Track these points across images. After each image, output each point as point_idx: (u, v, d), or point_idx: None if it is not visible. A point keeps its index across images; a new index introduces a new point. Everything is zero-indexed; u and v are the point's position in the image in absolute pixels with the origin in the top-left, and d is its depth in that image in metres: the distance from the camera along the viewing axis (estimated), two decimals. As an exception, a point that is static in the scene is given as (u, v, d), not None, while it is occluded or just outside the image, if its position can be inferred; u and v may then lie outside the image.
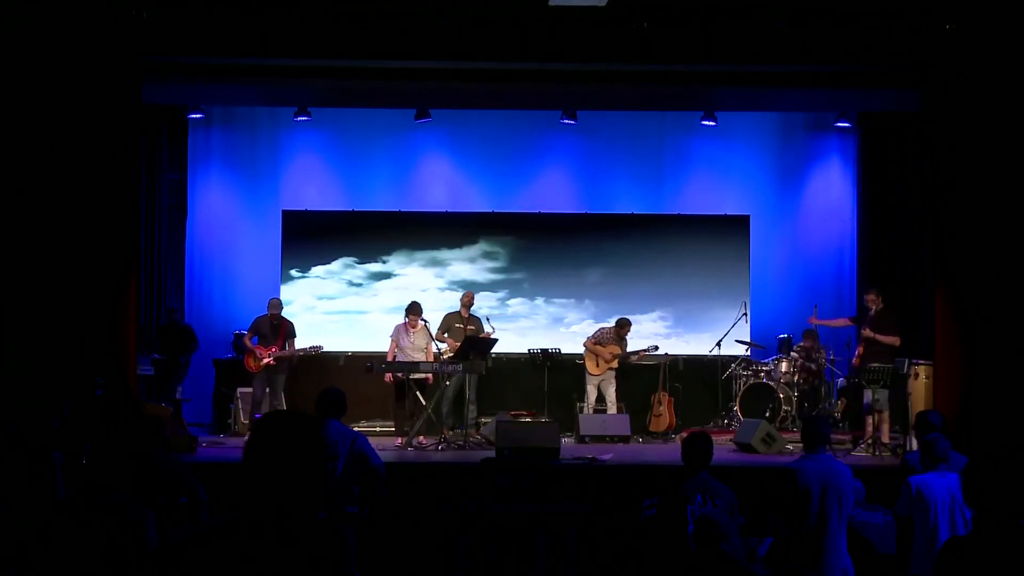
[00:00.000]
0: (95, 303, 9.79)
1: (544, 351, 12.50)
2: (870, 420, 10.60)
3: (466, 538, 8.08)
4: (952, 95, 10.19)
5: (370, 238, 13.52)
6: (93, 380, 9.53)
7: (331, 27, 9.94)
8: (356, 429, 9.20)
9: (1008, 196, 9.87)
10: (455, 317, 12.18)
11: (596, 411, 12.21)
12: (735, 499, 6.07)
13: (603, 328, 12.57)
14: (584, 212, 13.68)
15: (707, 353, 12.85)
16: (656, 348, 12.49)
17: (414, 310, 11.56)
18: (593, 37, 10.11)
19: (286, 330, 11.78)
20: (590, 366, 12.28)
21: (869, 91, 11.38)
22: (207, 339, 12.92)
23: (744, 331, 12.85)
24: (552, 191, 13.77)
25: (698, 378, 13.02)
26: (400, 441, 11.08)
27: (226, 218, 13.64)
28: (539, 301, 13.63)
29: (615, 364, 12.25)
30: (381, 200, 13.57)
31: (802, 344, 12.56)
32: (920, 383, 10.67)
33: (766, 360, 12.65)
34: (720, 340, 12.66)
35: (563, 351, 12.54)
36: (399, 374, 11.24)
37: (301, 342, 11.87)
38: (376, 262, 13.52)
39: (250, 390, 11.77)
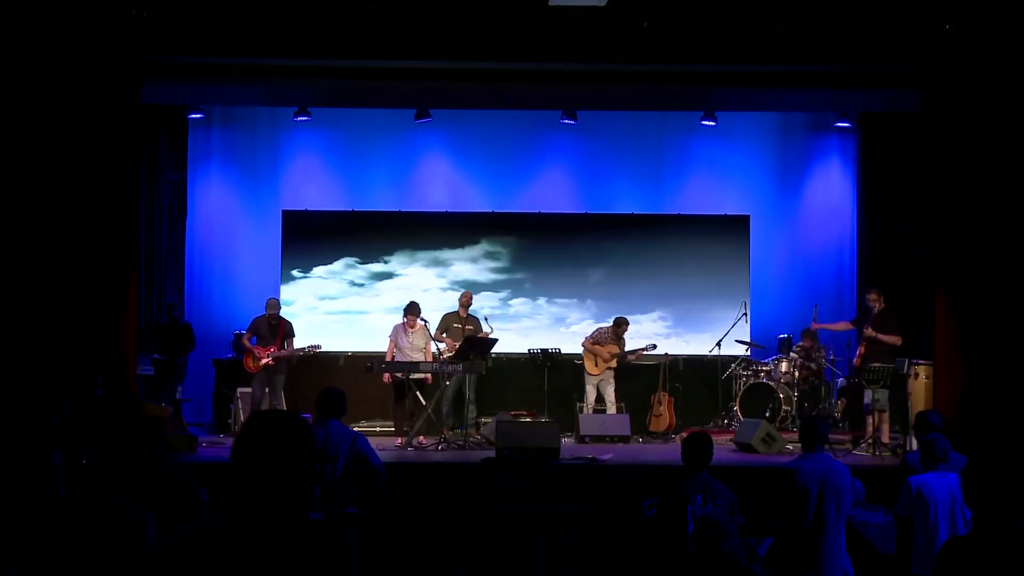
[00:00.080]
0: (95, 303, 9.79)
1: (544, 351, 12.50)
2: (870, 420, 10.60)
3: (466, 538, 8.08)
4: (952, 95, 10.19)
5: (371, 238, 13.52)
6: (93, 380, 9.53)
7: (331, 27, 9.94)
8: (356, 429, 9.21)
9: (1008, 196, 9.87)
10: (453, 317, 12.18)
11: (596, 411, 12.21)
12: (735, 499, 6.07)
13: (601, 328, 12.57)
14: (584, 212, 13.68)
15: (707, 353, 12.85)
16: (654, 347, 12.49)
17: (412, 310, 11.56)
18: (593, 37, 10.11)
19: (284, 330, 11.78)
20: (589, 366, 12.28)
21: (869, 91, 11.38)
22: (207, 339, 12.92)
23: (744, 331, 12.85)
24: (552, 191, 13.77)
25: (698, 378, 13.02)
26: (400, 441, 11.08)
27: (226, 218, 13.64)
28: (541, 301, 13.63)
29: (614, 364, 12.25)
30: (381, 200, 13.57)
31: (801, 344, 12.56)
32: (920, 383, 10.67)
33: (766, 360, 12.65)
34: (720, 340, 12.66)
35: (563, 351, 12.55)
36: (398, 374, 11.25)
37: (300, 342, 11.88)
38: (378, 262, 13.52)
39: (250, 390, 11.77)
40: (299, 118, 12.63)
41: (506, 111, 12.81)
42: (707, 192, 13.80)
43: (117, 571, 4.27)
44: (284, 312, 12.43)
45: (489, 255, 13.59)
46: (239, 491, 2.59)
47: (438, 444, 10.83)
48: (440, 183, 13.77)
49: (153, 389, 11.69)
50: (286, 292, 13.27)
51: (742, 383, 12.47)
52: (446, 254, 13.57)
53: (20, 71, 9.59)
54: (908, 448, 9.69)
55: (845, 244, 13.80)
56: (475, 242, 13.57)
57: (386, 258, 13.53)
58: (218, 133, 13.67)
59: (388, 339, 11.71)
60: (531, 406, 12.41)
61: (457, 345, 11.66)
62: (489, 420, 11.65)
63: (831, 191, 13.92)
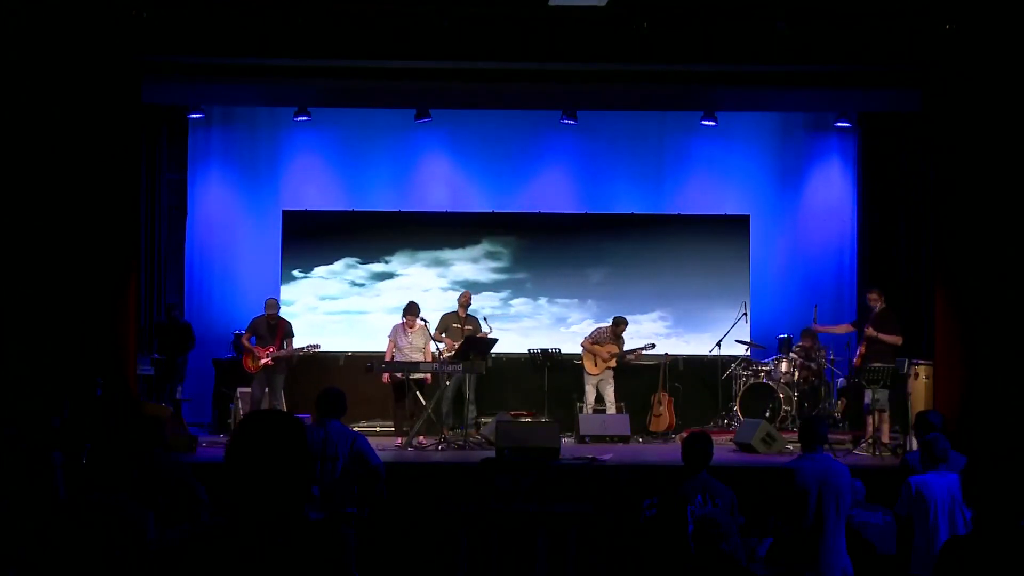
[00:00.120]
0: (95, 303, 9.79)
1: (544, 351, 12.50)
2: (871, 420, 10.60)
3: (466, 538, 8.08)
4: (952, 95, 10.19)
5: (371, 238, 13.52)
6: (93, 380, 9.53)
7: (331, 27, 9.94)
8: (356, 429, 9.21)
9: (1008, 196, 9.87)
10: (452, 317, 12.18)
11: (595, 411, 12.21)
12: (735, 499, 6.07)
13: (600, 328, 12.57)
14: (584, 212, 13.68)
15: (707, 353, 12.85)
16: (653, 346, 12.49)
17: (411, 310, 11.57)
18: (593, 37, 10.11)
19: (284, 330, 11.79)
20: (588, 366, 12.29)
21: (869, 91, 11.38)
22: (207, 339, 12.92)
23: (744, 331, 12.85)
24: (552, 191, 13.77)
25: (698, 378, 13.02)
26: (400, 441, 11.08)
27: (226, 218, 13.64)
28: (542, 301, 13.64)
29: (613, 363, 12.25)
30: (381, 200, 13.57)
31: (801, 344, 12.56)
32: (920, 383, 10.67)
33: (766, 360, 12.65)
34: (720, 340, 12.66)
35: (563, 351, 12.55)
36: (398, 374, 11.25)
37: (299, 341, 11.88)
38: (379, 262, 13.52)
39: (250, 390, 11.78)
40: (299, 118, 12.63)
41: (506, 111, 12.81)
42: (707, 192, 13.80)
43: (117, 571, 4.27)
44: (285, 312, 12.42)
45: (490, 255, 13.59)
46: (234, 491, 2.59)
47: (438, 444, 10.83)
48: (440, 183, 13.77)
49: (153, 389, 11.69)
50: (287, 292, 13.28)
51: (742, 383, 12.47)
52: (447, 254, 13.57)
53: (20, 71, 9.59)
54: (908, 448, 9.69)
55: (845, 244, 13.80)
56: (476, 242, 13.57)
57: (387, 258, 13.53)
58: (218, 133, 13.67)
59: (387, 339, 11.71)
60: (531, 406, 12.42)
61: (456, 345, 11.66)
62: (489, 420, 11.65)
63: (831, 191, 13.92)
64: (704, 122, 12.59)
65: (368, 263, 13.52)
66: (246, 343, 11.77)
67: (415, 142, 13.51)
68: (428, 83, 11.30)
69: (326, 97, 11.97)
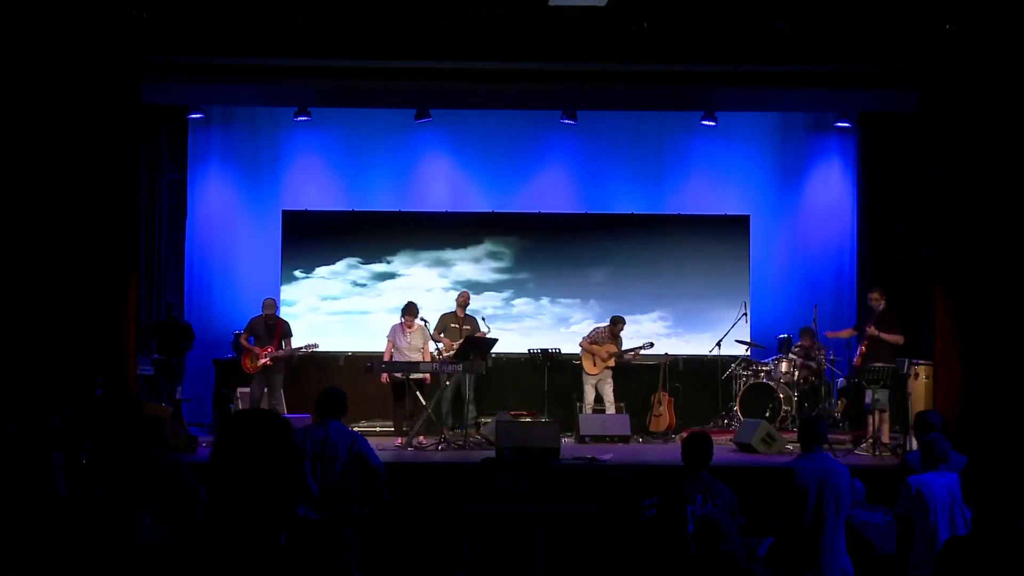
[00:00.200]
0: (95, 303, 9.79)
1: (544, 351, 12.51)
2: (872, 420, 10.60)
3: (466, 538, 8.08)
4: (952, 95, 10.19)
5: (372, 238, 13.52)
6: (93, 380, 9.53)
7: (331, 27, 9.94)
8: (356, 429, 9.20)
9: (1008, 196, 9.87)
10: (451, 317, 12.18)
11: (595, 411, 12.21)
12: (735, 499, 6.07)
13: (598, 328, 12.58)
14: (584, 212, 13.68)
15: (707, 353, 12.85)
16: (651, 345, 12.49)
17: (410, 311, 11.58)
18: (593, 37, 10.11)
19: (282, 330, 11.79)
20: (587, 366, 12.29)
21: (869, 91, 11.38)
22: (207, 339, 12.93)
23: (744, 331, 12.85)
24: (552, 191, 13.77)
25: (698, 378, 13.02)
26: (400, 441, 11.09)
27: (226, 218, 13.64)
28: (544, 301, 13.64)
29: (612, 363, 12.26)
30: (381, 200, 13.56)
31: (800, 343, 12.57)
32: (920, 383, 10.67)
33: (766, 360, 12.65)
34: (720, 340, 12.66)
35: (563, 351, 12.55)
36: (397, 374, 11.25)
37: (298, 341, 11.89)
38: (380, 262, 13.52)
39: (249, 390, 11.78)
40: (299, 118, 12.63)
41: (506, 111, 12.81)
42: (707, 192, 13.80)
43: (117, 571, 4.27)
44: (287, 312, 12.41)
45: (492, 255, 13.59)
46: (219, 492, 2.58)
47: (438, 444, 10.83)
48: (440, 183, 13.77)
49: (153, 389, 11.69)
50: (288, 292, 13.29)
51: (742, 383, 12.47)
52: (449, 254, 13.57)
53: (20, 71, 9.59)
54: (908, 448, 9.69)
55: (845, 244, 13.80)
56: (478, 242, 13.57)
57: (388, 258, 13.53)
58: (218, 133, 13.67)
59: (386, 339, 11.71)
60: (531, 406, 12.42)
61: (454, 345, 11.67)
62: (489, 420, 11.65)
63: (831, 191, 13.92)
64: (704, 122, 12.59)
65: (370, 263, 13.52)
66: (244, 343, 11.78)
67: (415, 142, 13.51)
68: (428, 83, 11.30)
69: (326, 97, 11.97)
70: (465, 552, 8.04)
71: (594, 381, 12.28)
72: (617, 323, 12.38)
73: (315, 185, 13.64)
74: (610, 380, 12.26)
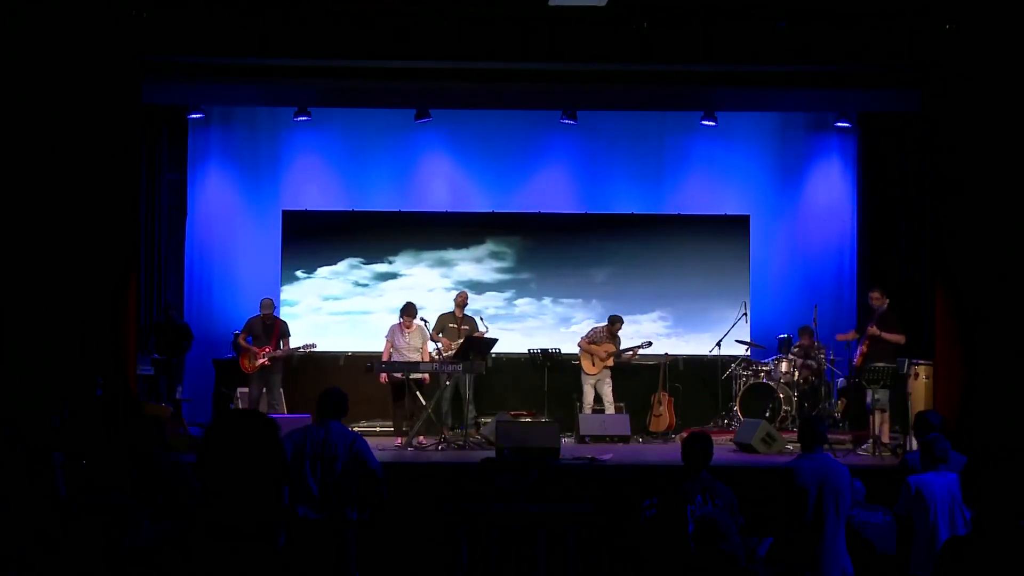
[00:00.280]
0: (95, 303, 9.79)
1: (544, 351, 12.51)
2: (873, 419, 10.60)
3: (466, 538, 8.08)
4: (952, 95, 10.19)
5: (372, 238, 13.52)
6: (93, 380, 9.53)
7: (331, 27, 9.94)
8: (356, 429, 9.21)
9: (1008, 196, 9.87)
10: (449, 317, 12.18)
11: (595, 411, 12.21)
12: (735, 499, 6.07)
13: (596, 327, 12.58)
14: (584, 212, 13.68)
15: (707, 353, 12.85)
16: (650, 344, 12.50)
17: (409, 311, 11.59)
18: (593, 37, 10.11)
19: (279, 330, 11.80)
20: (586, 365, 12.29)
21: (869, 91, 11.38)
22: (208, 339, 12.93)
23: (744, 331, 12.85)
24: (552, 191, 13.76)
25: (698, 378, 13.02)
26: (400, 441, 11.09)
27: (226, 218, 13.64)
28: (546, 301, 13.64)
29: (611, 362, 12.26)
30: (381, 200, 13.56)
31: (800, 342, 12.57)
32: (920, 383, 10.66)
33: (766, 360, 12.65)
34: (720, 340, 12.66)
35: (563, 351, 12.55)
36: (397, 374, 11.25)
37: (297, 341, 11.89)
38: (382, 262, 13.52)
39: (248, 390, 11.79)
40: (299, 118, 12.63)
41: (506, 111, 12.81)
42: (707, 192, 13.80)
43: (116, 571, 4.27)
44: (288, 312, 12.40)
45: (494, 255, 13.59)
46: (204, 492, 2.58)
47: (438, 444, 10.83)
48: (440, 183, 13.77)
49: (153, 389, 11.69)
50: (290, 292, 13.29)
51: (742, 383, 12.47)
52: (451, 254, 13.57)
53: (20, 71, 9.58)
54: (908, 448, 9.69)
55: (845, 244, 13.79)
56: (480, 242, 13.57)
57: (390, 258, 13.53)
58: (218, 133, 13.67)
59: (385, 340, 11.71)
60: (531, 406, 12.42)
61: (453, 345, 11.68)
62: (489, 420, 11.65)
63: (831, 191, 13.91)
64: (704, 122, 12.59)
65: (372, 263, 13.52)
66: (243, 343, 11.78)
67: (415, 142, 13.51)
68: (428, 83, 11.30)
69: (326, 97, 11.97)
70: (465, 552, 8.03)
71: (593, 381, 12.28)
72: (615, 323, 12.38)
73: (315, 185, 13.64)
74: (609, 380, 12.26)
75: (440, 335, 11.92)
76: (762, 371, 12.46)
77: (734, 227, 13.50)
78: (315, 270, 13.45)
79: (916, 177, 12.37)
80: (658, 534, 5.98)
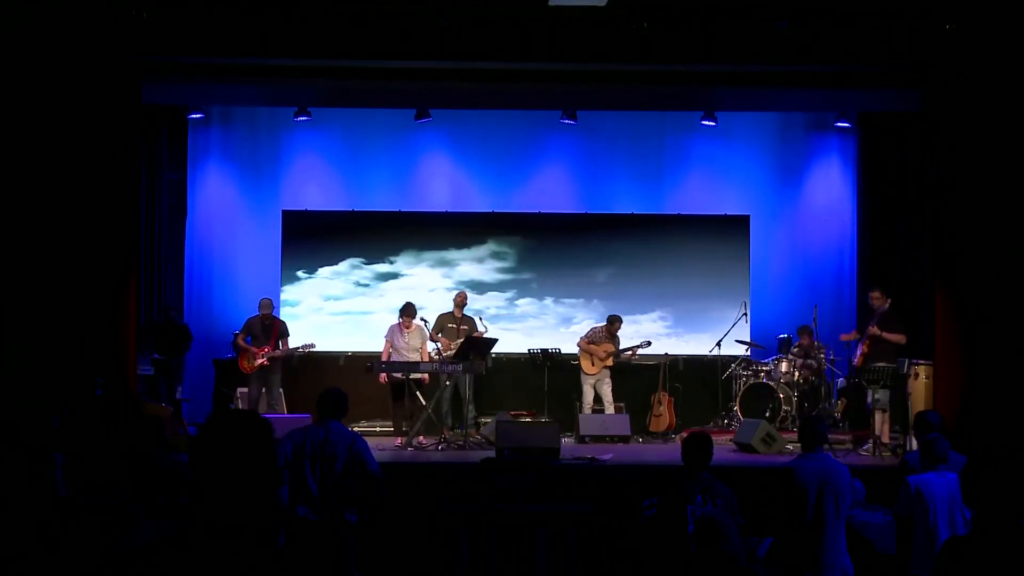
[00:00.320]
0: (95, 303, 9.78)
1: (544, 351, 12.51)
2: (875, 419, 10.60)
3: (466, 538, 8.08)
4: (952, 95, 10.19)
5: (372, 238, 13.52)
6: (93, 380, 9.53)
7: (331, 27, 9.94)
8: (356, 429, 9.21)
9: (1008, 196, 9.87)
10: (448, 317, 12.17)
11: (594, 411, 12.21)
12: (735, 499, 6.07)
13: (595, 327, 12.58)
14: (584, 212, 13.68)
15: (707, 353, 12.85)
16: (649, 343, 12.50)
17: (408, 311, 11.60)
18: (593, 37, 10.11)
19: (278, 330, 11.80)
20: (585, 365, 12.28)
21: (869, 91, 11.38)
22: (208, 339, 12.94)
23: (744, 331, 12.85)
24: (552, 191, 13.76)
25: (698, 378, 13.02)
26: (400, 441, 11.09)
27: (226, 218, 13.64)
28: (548, 301, 13.64)
29: (610, 362, 12.26)
30: (381, 200, 13.57)
31: (799, 342, 12.58)
32: (920, 383, 10.66)
33: (766, 360, 12.65)
34: (720, 340, 12.66)
35: (563, 351, 12.55)
36: (397, 374, 11.26)
37: (296, 340, 11.89)
38: (383, 262, 13.52)
39: (248, 391, 11.79)
40: (299, 118, 12.63)
41: (506, 111, 12.81)
42: (707, 192, 13.80)
43: (116, 571, 4.27)
44: (289, 312, 12.39)
45: (495, 255, 13.59)
46: (196, 491, 2.58)
47: (438, 444, 10.83)
48: (440, 183, 13.77)
49: (153, 389, 11.69)
50: (291, 292, 13.30)
51: (742, 383, 12.47)
52: (452, 254, 13.57)
53: (20, 71, 9.58)
54: (908, 448, 9.69)
55: (845, 244, 13.80)
56: (481, 242, 13.57)
57: (392, 258, 13.53)
58: (218, 133, 13.67)
59: (384, 340, 11.72)
60: (531, 406, 12.42)
61: (452, 345, 11.68)
62: (489, 420, 11.65)
63: (831, 191, 13.91)
64: (704, 122, 12.59)
65: (373, 263, 13.52)
66: (241, 343, 11.78)
67: (415, 142, 13.51)
68: (428, 83, 11.30)
69: (326, 97, 11.97)
70: (465, 552, 8.04)
71: (592, 381, 12.27)
72: (614, 322, 12.38)
73: (315, 185, 13.64)
74: (608, 380, 12.25)
75: (439, 335, 11.92)
76: (762, 371, 12.46)
77: (734, 227, 13.50)
78: (316, 270, 13.45)
79: (916, 177, 12.36)
80: (658, 534, 5.98)
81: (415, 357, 11.47)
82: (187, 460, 2.65)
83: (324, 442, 6.77)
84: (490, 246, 13.57)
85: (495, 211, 13.59)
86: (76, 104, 9.73)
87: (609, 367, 12.26)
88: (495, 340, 11.76)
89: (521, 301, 13.60)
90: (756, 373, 12.47)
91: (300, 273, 13.42)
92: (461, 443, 10.89)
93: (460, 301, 12.30)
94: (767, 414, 11.89)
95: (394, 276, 13.51)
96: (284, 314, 12.88)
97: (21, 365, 9.38)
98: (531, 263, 13.60)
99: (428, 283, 13.43)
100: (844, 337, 12.04)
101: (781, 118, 13.78)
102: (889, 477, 7.97)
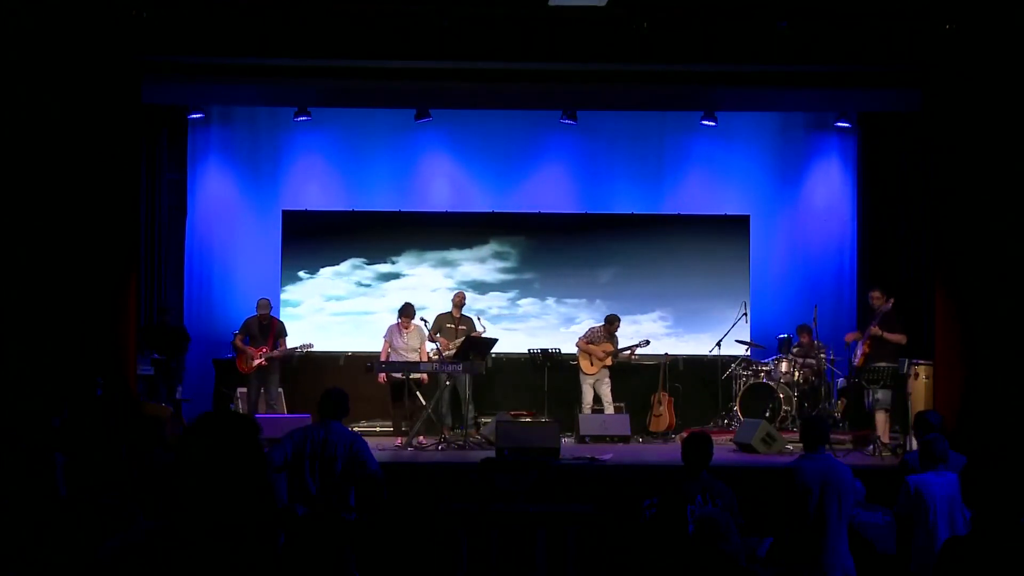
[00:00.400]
0: (95, 303, 9.78)
1: (544, 351, 12.51)
2: (877, 420, 10.61)
3: (466, 538, 8.07)
4: (952, 95, 10.19)
5: (372, 238, 13.52)
6: (93, 380, 9.52)
7: (331, 27, 9.93)
8: (356, 429, 9.20)
9: (1008, 196, 9.86)
10: (446, 317, 12.17)
11: (594, 411, 12.21)
12: (735, 499, 6.07)
13: (594, 327, 12.57)
14: (584, 212, 13.68)
15: (707, 353, 12.85)
16: (647, 342, 12.50)
17: (407, 312, 11.61)
18: (593, 37, 10.10)
19: (276, 330, 11.79)
20: (584, 365, 12.28)
21: (869, 91, 11.37)
22: (208, 339, 12.94)
23: (744, 331, 12.85)
24: (552, 191, 13.77)
25: (698, 378, 13.02)
26: (400, 441, 11.09)
27: (226, 218, 13.64)
28: (550, 301, 13.64)
29: (609, 361, 12.26)
30: (381, 200, 13.57)
31: (799, 341, 12.58)
32: (920, 383, 10.66)
33: (766, 360, 12.65)
34: (720, 340, 12.66)
35: (563, 351, 12.54)
36: (396, 374, 11.26)
37: (294, 340, 11.89)
38: (385, 263, 13.52)
39: (247, 391, 11.80)
40: (299, 118, 12.63)
41: (506, 111, 12.81)
42: (707, 192, 13.80)
43: (108, 570, 4.27)
44: (291, 312, 12.38)
45: (497, 255, 13.59)
46: (181, 494, 2.58)
47: (438, 444, 10.83)
48: (440, 183, 13.77)
49: (153, 389, 11.69)
50: (293, 292, 13.30)
51: (742, 383, 12.47)
52: (454, 254, 13.57)
53: (20, 71, 9.58)
54: (908, 448, 9.69)
55: (845, 244, 13.80)
56: (483, 242, 13.57)
57: (393, 258, 13.54)
58: (218, 133, 13.67)
59: (383, 340, 11.72)
60: (531, 406, 12.42)
61: (450, 345, 11.68)
62: (489, 420, 11.65)
63: (831, 191, 13.92)
64: (704, 122, 12.59)
65: (375, 263, 13.52)
66: (239, 344, 11.77)
67: (415, 142, 13.51)
68: (428, 83, 11.29)
69: (326, 97, 11.97)
70: (465, 552, 8.03)
71: (592, 381, 12.27)
72: (613, 322, 12.38)
73: (315, 185, 13.64)
74: (607, 380, 12.25)
75: (437, 335, 11.92)
76: (762, 371, 12.46)
77: (734, 227, 13.50)
78: (318, 270, 13.46)
79: (916, 177, 12.36)
80: (658, 534, 5.98)
81: (414, 357, 11.48)
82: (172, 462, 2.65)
83: (324, 442, 6.77)
84: (492, 246, 13.57)
85: (497, 211, 13.59)
86: (76, 104, 9.72)
87: (608, 367, 12.26)
88: (495, 340, 11.77)
89: (523, 301, 13.60)
90: (756, 373, 12.47)
91: (302, 273, 13.42)
92: (461, 443, 10.89)
93: (458, 301, 12.30)
94: (767, 414, 11.89)
95: (396, 276, 13.51)
96: (285, 314, 12.88)
97: (21, 365, 9.37)
98: (533, 263, 13.60)
99: (430, 283, 13.43)
100: (849, 337, 12.04)
101: (781, 118, 13.78)
102: (889, 477, 7.97)
